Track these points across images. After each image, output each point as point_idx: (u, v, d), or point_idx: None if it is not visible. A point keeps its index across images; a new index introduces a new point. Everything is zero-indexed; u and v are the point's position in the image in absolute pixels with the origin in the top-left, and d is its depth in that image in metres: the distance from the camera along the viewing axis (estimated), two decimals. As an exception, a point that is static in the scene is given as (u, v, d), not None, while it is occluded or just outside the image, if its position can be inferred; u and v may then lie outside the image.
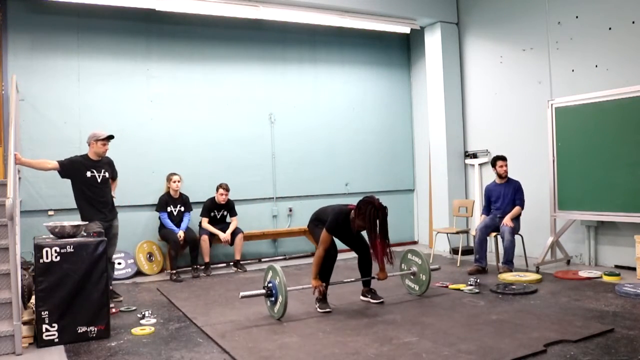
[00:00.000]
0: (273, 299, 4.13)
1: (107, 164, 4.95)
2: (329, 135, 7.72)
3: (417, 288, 4.83)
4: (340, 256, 6.75)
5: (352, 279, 4.72)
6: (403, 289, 5.02)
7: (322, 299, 4.44)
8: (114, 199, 5.05)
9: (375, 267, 4.61)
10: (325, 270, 4.42)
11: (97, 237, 4.00)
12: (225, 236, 6.26)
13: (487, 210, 6.01)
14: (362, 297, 4.74)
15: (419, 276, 4.81)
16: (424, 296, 4.75)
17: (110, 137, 4.89)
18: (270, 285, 4.18)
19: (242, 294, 4.17)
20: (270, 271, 4.24)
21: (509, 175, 5.95)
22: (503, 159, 5.93)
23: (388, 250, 4.21)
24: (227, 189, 6.39)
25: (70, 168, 4.74)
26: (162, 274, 6.30)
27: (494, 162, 5.98)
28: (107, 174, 4.90)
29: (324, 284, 4.34)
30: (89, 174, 4.77)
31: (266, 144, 7.32)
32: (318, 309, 4.36)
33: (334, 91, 7.83)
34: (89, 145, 4.86)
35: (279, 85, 7.42)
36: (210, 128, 6.95)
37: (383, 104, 8.23)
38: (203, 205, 6.45)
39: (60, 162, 4.72)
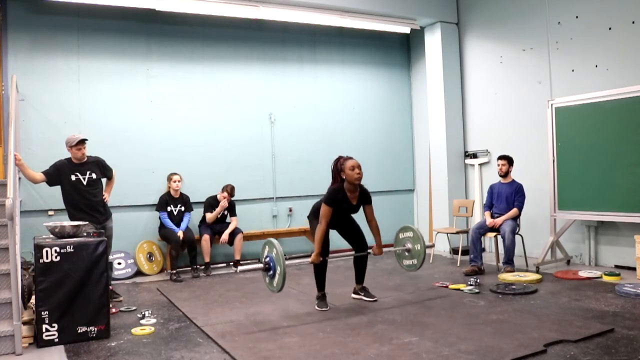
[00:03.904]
0: (271, 272, 4.10)
1: (93, 164, 4.86)
2: (329, 135, 7.71)
3: (415, 262, 4.76)
4: (340, 256, 6.77)
5: (350, 254, 4.66)
6: (403, 289, 5.02)
7: (321, 298, 4.46)
8: (106, 201, 4.95)
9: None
10: (319, 277, 4.46)
11: (97, 237, 3.99)
12: (223, 238, 6.27)
13: (488, 207, 6.01)
14: (353, 295, 4.75)
15: (414, 248, 4.74)
16: (424, 296, 4.74)
17: (83, 141, 4.75)
18: (267, 259, 4.14)
19: (239, 268, 4.18)
20: (267, 246, 4.20)
21: (513, 177, 5.94)
22: (502, 158, 5.93)
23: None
24: (230, 194, 6.42)
25: (56, 175, 4.71)
26: (162, 274, 6.30)
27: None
28: (94, 175, 4.82)
29: (321, 258, 4.29)
30: (73, 177, 4.71)
31: (266, 144, 7.32)
32: (316, 307, 4.40)
33: (334, 91, 7.83)
34: (68, 151, 4.78)
35: (279, 85, 7.42)
36: (210, 128, 6.94)
37: (383, 104, 8.23)
38: (205, 201, 6.47)
39: (45, 172, 4.70)
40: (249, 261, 6.90)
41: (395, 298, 4.70)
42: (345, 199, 4.36)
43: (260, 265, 4.17)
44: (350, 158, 4.35)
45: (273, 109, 7.35)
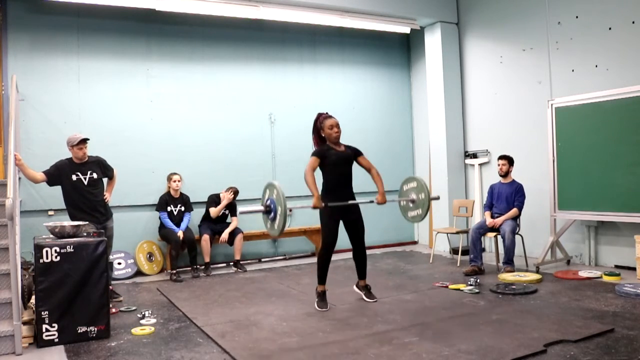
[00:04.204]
0: (272, 215, 4.05)
1: (94, 164, 4.85)
2: (329, 135, 7.70)
3: (419, 212, 4.66)
4: (340, 256, 6.78)
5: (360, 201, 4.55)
6: (403, 289, 5.02)
7: (321, 297, 4.45)
8: (107, 201, 4.94)
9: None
10: (322, 271, 4.45)
11: (97, 237, 3.99)
12: (222, 237, 6.28)
13: (488, 207, 6.00)
14: (355, 288, 4.74)
15: (418, 197, 4.65)
16: (424, 296, 4.74)
17: (85, 140, 4.75)
18: (268, 202, 4.09)
19: (240, 209, 4.17)
20: (268, 189, 4.17)
21: (513, 177, 5.94)
22: (503, 158, 5.93)
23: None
24: (233, 195, 6.47)
25: (56, 175, 4.70)
26: (162, 274, 6.30)
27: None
28: (95, 175, 4.81)
29: (323, 204, 4.24)
30: (74, 177, 4.70)
31: (266, 144, 7.32)
32: (316, 306, 4.39)
33: (334, 91, 7.83)
34: (69, 150, 4.78)
35: (279, 85, 7.42)
36: (211, 128, 6.95)
37: (383, 104, 8.23)
38: (209, 197, 6.49)
39: (46, 172, 4.69)
40: (248, 261, 6.91)
41: (395, 298, 4.70)
42: (330, 148, 4.42)
43: (262, 208, 4.11)
44: (330, 116, 4.45)
45: (273, 109, 7.35)
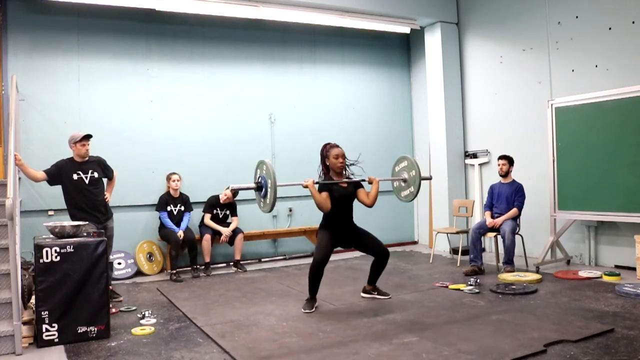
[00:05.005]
0: (264, 190, 4.16)
1: (95, 163, 4.85)
2: (329, 135, 7.65)
3: (412, 190, 4.64)
4: (340, 256, 6.78)
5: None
6: (403, 289, 5.02)
7: (308, 300, 4.42)
8: (107, 201, 4.95)
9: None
10: (314, 282, 4.40)
11: (97, 237, 3.99)
12: (227, 230, 6.27)
13: (488, 207, 6.00)
14: (363, 295, 4.74)
15: (410, 175, 4.65)
16: (424, 296, 4.74)
17: (88, 137, 4.77)
18: (260, 179, 4.22)
19: (232, 186, 4.28)
20: (258, 168, 4.30)
21: (514, 177, 5.94)
22: (503, 158, 5.93)
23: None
24: (233, 196, 6.45)
25: (57, 174, 4.70)
26: (162, 274, 6.30)
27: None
28: (96, 174, 4.81)
29: (313, 181, 4.32)
30: (75, 176, 4.70)
31: (266, 144, 7.31)
32: (302, 309, 4.34)
33: (334, 91, 7.83)
34: (71, 148, 4.79)
35: (279, 85, 7.42)
36: (211, 128, 6.95)
37: (383, 104, 8.23)
38: (206, 200, 6.47)
39: (47, 171, 4.69)
40: (248, 261, 6.91)
41: (395, 298, 4.69)
42: (334, 183, 4.42)
43: (253, 185, 4.25)
44: (336, 146, 4.46)
45: (273, 109, 7.35)
